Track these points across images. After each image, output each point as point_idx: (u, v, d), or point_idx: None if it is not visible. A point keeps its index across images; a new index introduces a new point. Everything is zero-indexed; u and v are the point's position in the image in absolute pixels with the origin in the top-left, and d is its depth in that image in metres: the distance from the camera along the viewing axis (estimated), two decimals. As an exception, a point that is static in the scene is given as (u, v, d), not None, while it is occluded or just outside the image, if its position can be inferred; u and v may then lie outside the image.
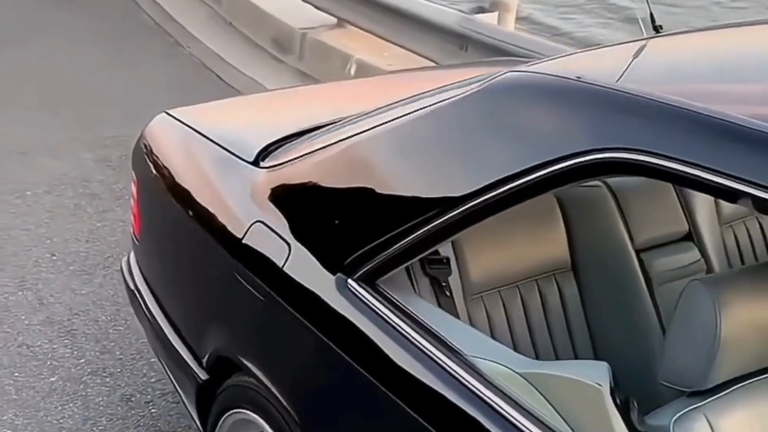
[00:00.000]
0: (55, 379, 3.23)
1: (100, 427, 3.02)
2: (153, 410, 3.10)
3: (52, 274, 3.86)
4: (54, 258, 3.98)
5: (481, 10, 5.18)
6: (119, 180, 4.62)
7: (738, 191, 1.42)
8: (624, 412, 1.55)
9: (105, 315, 3.59)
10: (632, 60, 1.92)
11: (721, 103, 1.54)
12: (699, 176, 1.46)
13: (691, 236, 2.37)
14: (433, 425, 1.73)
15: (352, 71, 5.60)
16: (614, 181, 2.31)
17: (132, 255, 2.90)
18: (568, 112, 1.68)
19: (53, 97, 5.74)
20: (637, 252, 2.25)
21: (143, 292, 2.75)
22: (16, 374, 3.26)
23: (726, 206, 2.44)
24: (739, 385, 1.68)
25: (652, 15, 2.14)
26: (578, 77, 1.73)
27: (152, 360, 3.26)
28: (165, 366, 2.67)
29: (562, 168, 1.62)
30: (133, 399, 3.15)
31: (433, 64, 4.75)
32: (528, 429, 1.58)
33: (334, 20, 6.48)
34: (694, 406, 1.64)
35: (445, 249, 2.08)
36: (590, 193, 2.28)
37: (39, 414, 3.07)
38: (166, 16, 7.66)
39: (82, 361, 3.33)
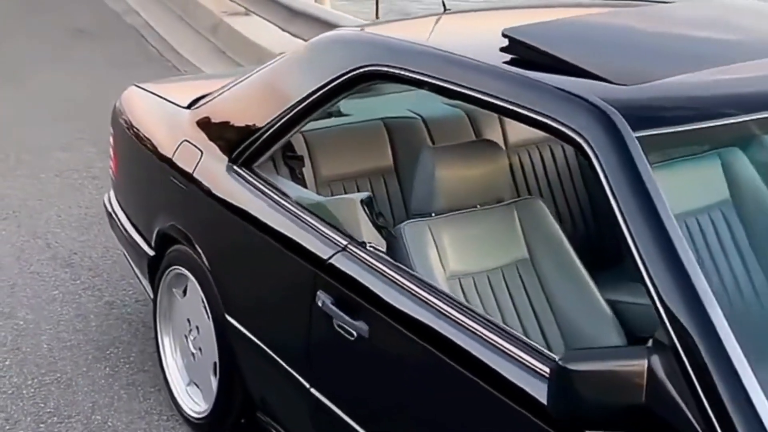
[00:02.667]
0: (57, 292, 4.44)
1: (88, 320, 4.22)
2: (128, 310, 4.29)
3: (58, 229, 5.09)
4: (59, 218, 5.22)
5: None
6: (116, 166, 5.86)
7: (424, 82, 2.62)
8: (371, 216, 2.74)
9: (97, 253, 4.81)
10: (419, 25, 3.15)
11: (446, 44, 2.72)
12: (410, 76, 2.66)
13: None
14: (282, 244, 2.90)
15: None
16: (426, 115, 3.51)
17: (111, 191, 4.13)
18: (351, 47, 2.90)
19: (69, 109, 7.02)
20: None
21: (117, 213, 3.97)
22: (28, 289, 4.47)
23: (512, 136, 3.61)
24: (452, 213, 2.85)
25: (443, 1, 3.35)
26: (361, 27, 2.96)
27: (132, 281, 4.43)
28: (129, 259, 3.89)
29: (345, 79, 2.82)
30: (114, 304, 4.35)
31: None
32: (324, 231, 2.76)
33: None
34: (421, 219, 2.82)
35: (300, 149, 3.28)
36: (408, 122, 3.49)
37: (44, 312, 4.27)
38: (169, 47, 9.00)
39: (78, 281, 4.55)
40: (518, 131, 3.59)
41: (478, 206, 2.91)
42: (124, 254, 4.00)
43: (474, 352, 2.24)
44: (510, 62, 2.49)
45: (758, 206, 2.93)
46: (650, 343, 1.88)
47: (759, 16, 2.81)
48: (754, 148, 2.71)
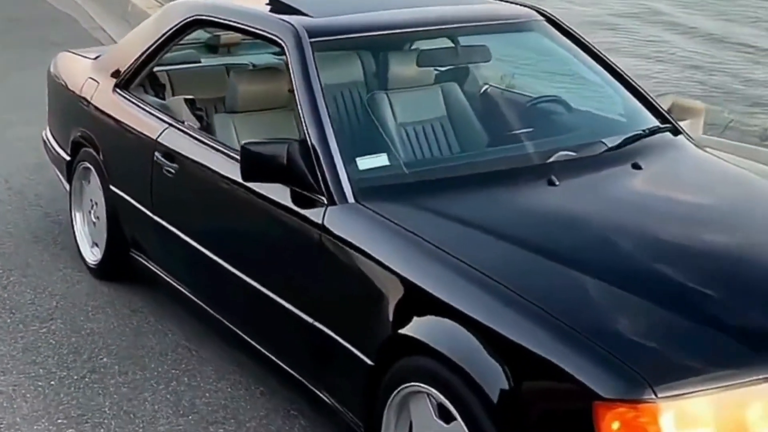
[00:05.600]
0: (9, 207, 6.30)
1: (29, 222, 6.07)
2: (60, 218, 6.12)
3: (15, 171, 6.94)
4: (18, 166, 7.07)
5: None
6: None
7: (220, 24, 4.50)
8: (191, 108, 4.59)
9: (43, 187, 6.65)
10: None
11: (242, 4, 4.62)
12: (214, 21, 4.54)
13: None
14: (139, 130, 4.75)
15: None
16: (257, 63, 5.36)
17: (47, 127, 5.99)
18: (185, 6, 4.77)
19: (36, 100, 8.82)
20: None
21: (50, 140, 5.84)
22: (-11, 206, 6.34)
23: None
24: (249, 112, 4.66)
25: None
26: (194, -2, 4.84)
27: (64, 200, 6.26)
28: (56, 169, 5.75)
29: (180, 25, 4.69)
30: (50, 214, 6.20)
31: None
32: (162, 117, 4.61)
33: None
34: (228, 114, 4.65)
35: (164, 81, 5.14)
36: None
37: (-2, 218, 6.14)
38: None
39: (25, 201, 6.40)
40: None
41: (269, 110, 4.74)
42: (54, 171, 5.84)
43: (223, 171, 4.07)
44: (265, 9, 4.36)
45: (463, 118, 4.72)
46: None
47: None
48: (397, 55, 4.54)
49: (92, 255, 5.33)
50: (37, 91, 9.17)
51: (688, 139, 4.20)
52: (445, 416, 3.03)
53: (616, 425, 2.59)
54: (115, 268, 5.18)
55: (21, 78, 9.81)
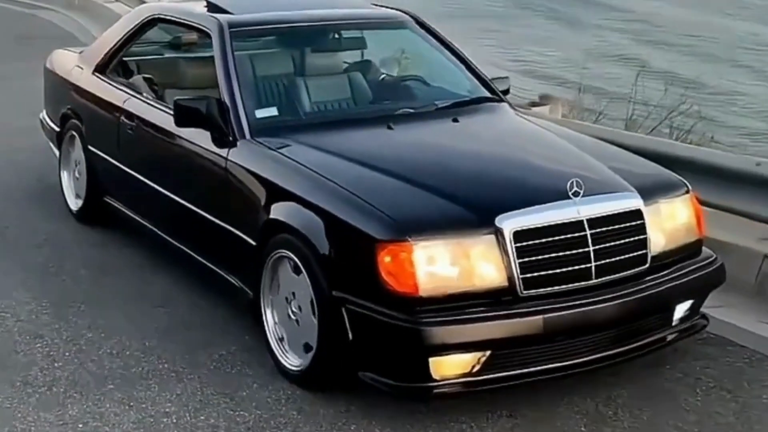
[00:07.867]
0: (12, 175, 7.99)
1: (22, 181, 7.79)
2: (51, 181, 7.80)
3: (19, 148, 8.64)
4: (22, 145, 8.76)
5: None
6: (60, 123, 9.40)
7: (172, 21, 6.21)
8: (148, 82, 6.28)
9: (39, 161, 8.32)
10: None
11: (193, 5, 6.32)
12: (169, 19, 6.25)
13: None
14: (111, 102, 6.44)
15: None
16: (205, 55, 7.06)
17: (43, 110, 7.70)
18: (147, 8, 6.48)
19: (39, 99, 10.62)
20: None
21: (45, 118, 7.56)
22: (-6, 173, 8.04)
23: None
24: (203, 87, 6.35)
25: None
26: (158, 1, 6.54)
27: (53, 163, 7.93)
28: (49, 141, 7.44)
29: (143, 22, 6.41)
30: (42, 180, 7.88)
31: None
32: (127, 90, 6.30)
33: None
34: (177, 90, 6.33)
35: (133, 67, 6.83)
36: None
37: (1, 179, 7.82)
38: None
39: (24, 171, 8.09)
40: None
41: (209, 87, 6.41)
42: (48, 143, 7.54)
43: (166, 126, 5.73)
44: (203, 10, 6.05)
45: (363, 97, 6.36)
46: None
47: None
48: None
49: (75, 204, 7.01)
50: (39, 93, 10.94)
51: (511, 107, 5.88)
52: (297, 271, 4.67)
53: (387, 258, 4.23)
54: (92, 212, 6.84)
55: (27, 82, 11.52)
